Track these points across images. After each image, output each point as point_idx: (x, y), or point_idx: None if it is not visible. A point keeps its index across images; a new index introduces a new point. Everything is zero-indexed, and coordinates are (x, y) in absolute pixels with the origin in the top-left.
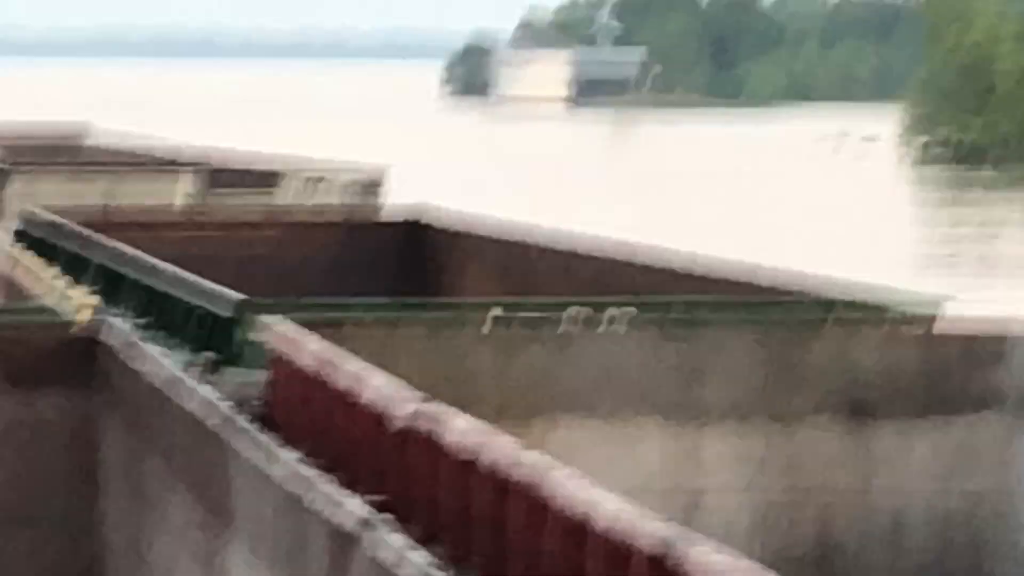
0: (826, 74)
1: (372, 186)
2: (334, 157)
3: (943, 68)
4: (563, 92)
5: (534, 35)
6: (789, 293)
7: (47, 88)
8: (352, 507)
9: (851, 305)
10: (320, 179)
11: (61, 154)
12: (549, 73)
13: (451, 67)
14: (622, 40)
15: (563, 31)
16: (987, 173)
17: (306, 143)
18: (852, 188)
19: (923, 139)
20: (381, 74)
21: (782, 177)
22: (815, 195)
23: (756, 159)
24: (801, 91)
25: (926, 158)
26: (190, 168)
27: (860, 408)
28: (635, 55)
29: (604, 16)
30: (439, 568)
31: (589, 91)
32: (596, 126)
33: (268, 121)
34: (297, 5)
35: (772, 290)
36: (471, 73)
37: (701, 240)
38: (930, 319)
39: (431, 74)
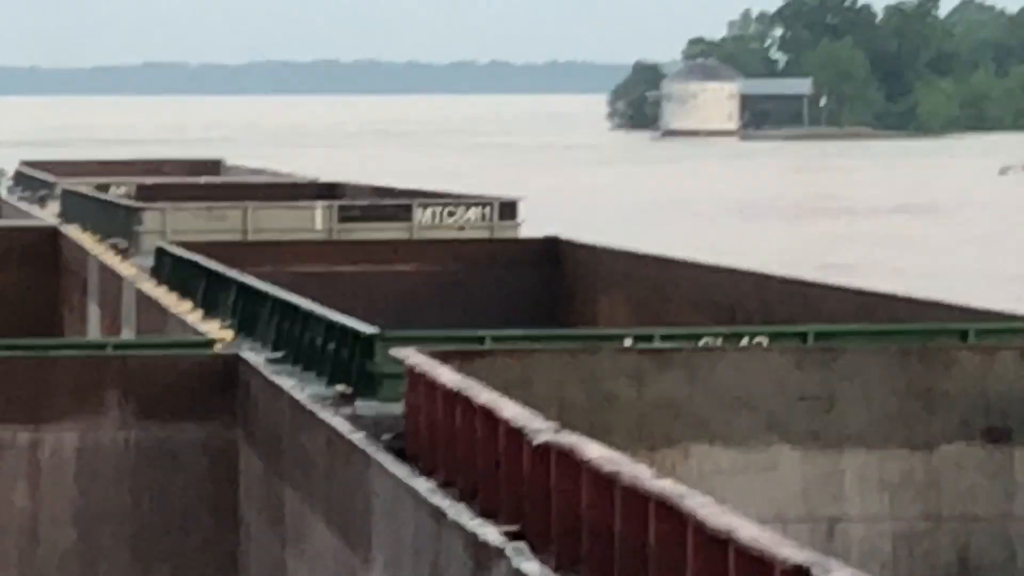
0: (1000, 102)
1: (507, 215)
2: (473, 190)
3: None
4: (731, 125)
5: (700, 66)
6: (926, 320)
7: (198, 122)
8: (491, 536)
9: (987, 331)
10: (452, 210)
11: (196, 189)
12: (718, 104)
13: (617, 98)
14: (790, 70)
15: (731, 60)
16: None
17: (463, 177)
18: None
19: None
20: (545, 106)
21: (978, 210)
22: (1009, 228)
23: (947, 193)
24: (974, 120)
25: None
26: (326, 198)
27: (998, 433)
28: (803, 86)
29: (772, 44)
30: None
31: (759, 122)
32: (776, 161)
33: (425, 155)
34: (448, 38)
35: (910, 317)
36: (636, 106)
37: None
38: None
39: (597, 105)
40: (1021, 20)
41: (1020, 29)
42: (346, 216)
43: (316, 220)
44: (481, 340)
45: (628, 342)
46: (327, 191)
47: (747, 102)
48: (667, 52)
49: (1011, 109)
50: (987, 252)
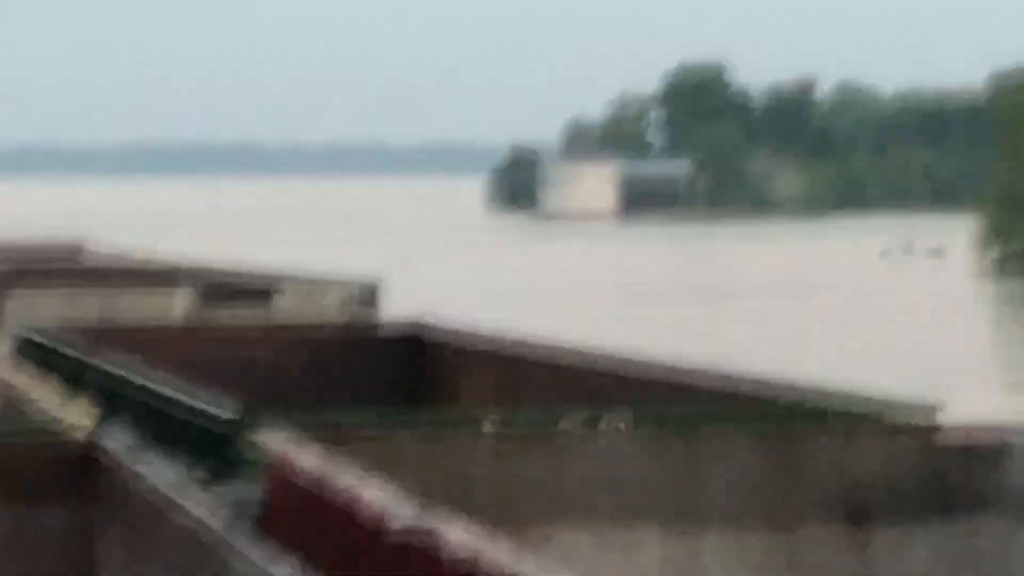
0: (878, 183)
1: (368, 298)
2: (344, 273)
3: (1017, 176)
4: (609, 207)
5: (579, 146)
6: (787, 401)
7: (71, 205)
8: None
9: (848, 413)
10: (315, 292)
11: (57, 271)
12: (596, 186)
13: (495, 180)
14: (668, 152)
15: (609, 142)
16: None
17: (343, 262)
18: (930, 306)
19: (995, 252)
20: (421, 188)
21: (857, 293)
22: (893, 313)
23: (828, 275)
24: (852, 201)
25: (1001, 271)
26: (186, 283)
27: (859, 513)
28: (681, 168)
29: (650, 126)
30: None
31: (637, 204)
32: (654, 243)
33: (299, 238)
34: (330, 120)
35: (771, 399)
36: (515, 186)
37: (783, 360)
38: (927, 424)
39: (473, 187)
40: (897, 103)
41: (896, 111)
42: (207, 300)
43: (176, 304)
44: (341, 424)
45: (489, 426)
46: (188, 275)
47: (625, 184)
48: (545, 133)
49: (890, 189)
50: (863, 334)
